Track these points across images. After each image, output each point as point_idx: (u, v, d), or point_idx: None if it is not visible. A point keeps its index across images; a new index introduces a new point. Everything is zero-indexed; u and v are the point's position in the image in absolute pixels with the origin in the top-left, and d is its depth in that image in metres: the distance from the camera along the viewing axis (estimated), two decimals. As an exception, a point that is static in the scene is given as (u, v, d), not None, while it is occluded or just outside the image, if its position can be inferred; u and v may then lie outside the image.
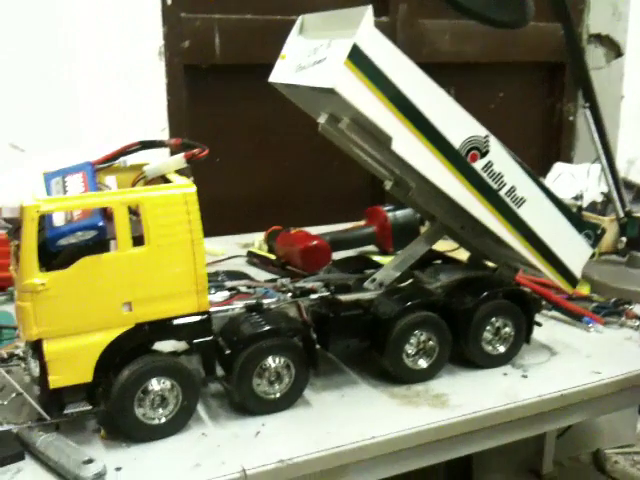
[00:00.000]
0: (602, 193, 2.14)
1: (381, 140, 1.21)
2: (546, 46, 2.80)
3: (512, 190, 1.31)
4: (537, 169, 2.56)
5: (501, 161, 1.29)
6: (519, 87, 2.87)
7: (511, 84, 2.84)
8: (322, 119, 1.19)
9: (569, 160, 2.87)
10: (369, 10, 1.11)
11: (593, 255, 1.94)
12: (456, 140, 1.24)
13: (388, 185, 1.40)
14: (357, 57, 1.12)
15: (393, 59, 1.17)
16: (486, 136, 1.27)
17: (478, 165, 1.27)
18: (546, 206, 1.37)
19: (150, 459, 1.08)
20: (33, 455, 1.08)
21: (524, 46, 2.76)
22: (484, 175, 1.28)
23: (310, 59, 1.25)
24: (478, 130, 1.26)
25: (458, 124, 1.25)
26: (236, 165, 2.38)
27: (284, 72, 1.34)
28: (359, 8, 1.13)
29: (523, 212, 1.33)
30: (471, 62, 2.69)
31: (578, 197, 2.17)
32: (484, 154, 1.27)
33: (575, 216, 1.43)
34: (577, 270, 1.44)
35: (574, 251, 1.42)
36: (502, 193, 1.30)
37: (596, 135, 1.80)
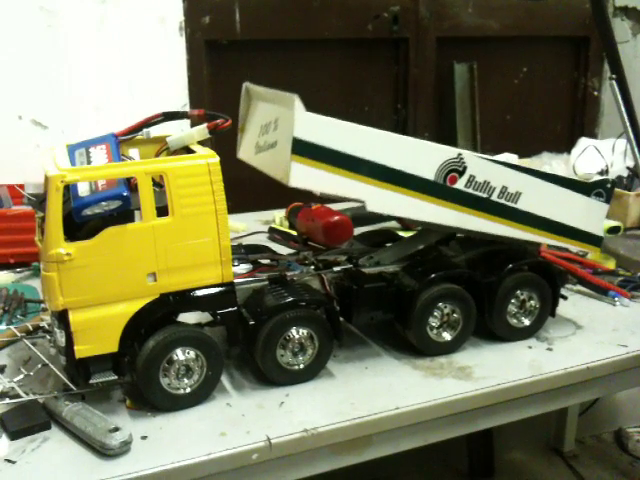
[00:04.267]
0: (628, 168, 2.11)
1: None
2: (570, 20, 2.76)
3: (504, 191, 1.29)
4: (562, 144, 2.56)
5: (482, 170, 1.27)
6: (543, 62, 2.82)
7: (535, 59, 2.79)
8: None
9: (594, 135, 2.83)
10: (297, 100, 1.09)
11: (619, 229, 1.93)
12: (428, 173, 1.23)
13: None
14: (300, 147, 1.12)
15: (335, 132, 1.15)
16: (459, 154, 1.24)
17: (460, 184, 1.25)
18: (544, 188, 1.35)
19: (176, 428, 1.08)
20: (59, 424, 1.09)
21: (548, 20, 2.72)
22: (470, 191, 1.27)
23: (264, 139, 1.27)
24: (448, 153, 1.24)
25: (424, 157, 1.23)
26: (257, 142, 2.37)
27: (247, 151, 1.38)
28: (289, 96, 1.11)
29: (522, 205, 1.32)
30: (494, 36, 2.63)
31: (603, 172, 2.15)
32: (462, 172, 1.25)
33: (578, 183, 1.41)
34: (597, 230, 1.44)
35: (588, 215, 1.41)
36: (494, 198, 1.29)
37: (623, 107, 1.77)
